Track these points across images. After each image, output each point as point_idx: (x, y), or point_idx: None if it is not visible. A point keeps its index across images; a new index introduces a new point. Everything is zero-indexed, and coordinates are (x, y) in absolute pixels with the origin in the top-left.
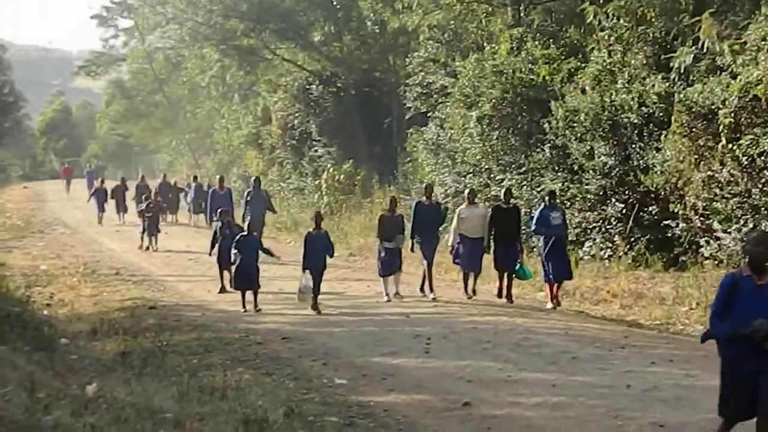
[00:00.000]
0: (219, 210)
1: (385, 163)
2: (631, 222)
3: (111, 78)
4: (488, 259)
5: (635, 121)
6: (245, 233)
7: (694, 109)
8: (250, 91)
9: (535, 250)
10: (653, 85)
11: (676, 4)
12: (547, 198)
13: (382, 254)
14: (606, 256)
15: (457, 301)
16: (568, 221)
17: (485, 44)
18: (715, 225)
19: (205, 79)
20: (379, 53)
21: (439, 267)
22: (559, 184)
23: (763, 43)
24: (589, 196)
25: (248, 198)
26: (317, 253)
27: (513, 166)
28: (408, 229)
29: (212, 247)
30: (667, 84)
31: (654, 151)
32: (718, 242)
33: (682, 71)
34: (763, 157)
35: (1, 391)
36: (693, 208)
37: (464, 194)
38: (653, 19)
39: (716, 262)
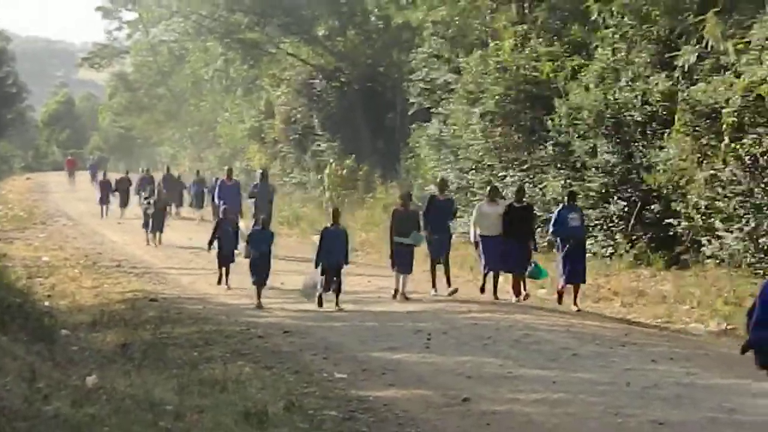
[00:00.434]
0: (223, 208)
1: (387, 159)
2: (633, 220)
3: (114, 70)
4: None
5: (638, 119)
6: (259, 227)
7: (697, 108)
8: (253, 84)
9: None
10: (657, 84)
11: (681, 2)
12: (566, 198)
13: (394, 249)
14: (607, 254)
15: (488, 304)
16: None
17: (489, 41)
18: (717, 224)
19: (209, 72)
20: (383, 48)
21: (465, 266)
22: (562, 182)
23: (767, 42)
24: (591, 193)
25: (255, 190)
26: (334, 249)
27: (516, 163)
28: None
29: (210, 242)
30: (671, 82)
31: (657, 150)
32: (720, 241)
33: (685, 70)
34: (765, 157)
35: (1, 381)
36: (695, 207)
37: (486, 190)
38: (657, 18)
39: (718, 261)
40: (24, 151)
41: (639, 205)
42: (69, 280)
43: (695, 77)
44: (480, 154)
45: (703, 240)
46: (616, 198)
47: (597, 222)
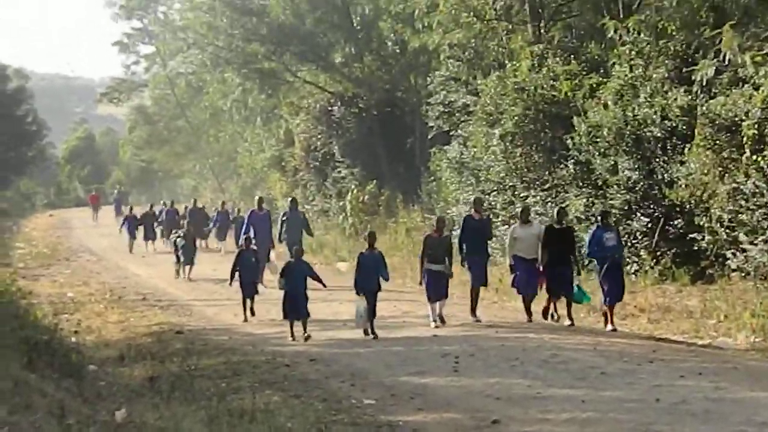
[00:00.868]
0: (243, 238)
1: (408, 183)
2: (656, 236)
3: (133, 104)
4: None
5: (658, 134)
6: (292, 260)
7: (717, 122)
8: (272, 113)
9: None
10: (676, 99)
11: (697, 17)
12: (600, 218)
13: (426, 278)
14: (632, 271)
15: (515, 324)
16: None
17: (506, 61)
18: (741, 237)
19: (227, 103)
20: (401, 73)
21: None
22: (584, 200)
23: None
24: (613, 211)
25: (284, 219)
26: (371, 274)
27: (537, 182)
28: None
29: (232, 274)
30: (690, 97)
31: (678, 165)
32: (745, 254)
33: (704, 84)
34: None
35: (32, 419)
36: (719, 221)
37: (517, 212)
38: (674, 33)
39: (743, 275)
40: (46, 188)
41: (662, 220)
42: (95, 316)
43: (714, 91)
44: (501, 175)
45: (728, 253)
46: (639, 214)
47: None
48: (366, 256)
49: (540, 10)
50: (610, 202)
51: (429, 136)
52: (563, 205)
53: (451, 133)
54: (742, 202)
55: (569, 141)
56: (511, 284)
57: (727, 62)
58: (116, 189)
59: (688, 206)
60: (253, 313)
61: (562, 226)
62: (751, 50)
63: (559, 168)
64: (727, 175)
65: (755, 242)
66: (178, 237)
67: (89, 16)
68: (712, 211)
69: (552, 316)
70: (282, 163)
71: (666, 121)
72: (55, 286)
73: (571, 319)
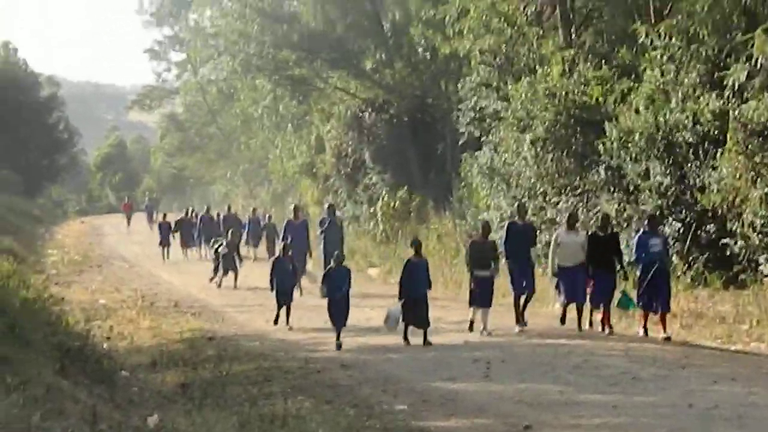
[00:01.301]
0: (281, 245)
1: (439, 189)
2: (688, 241)
3: (165, 111)
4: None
5: (690, 139)
6: (333, 266)
7: (749, 126)
8: (303, 120)
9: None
10: (707, 104)
11: (728, 21)
12: (646, 223)
13: (473, 285)
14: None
15: (547, 331)
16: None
17: (537, 67)
18: None
19: (258, 109)
20: (431, 79)
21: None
22: (615, 205)
23: None
24: (645, 216)
25: (323, 227)
26: (417, 281)
27: (568, 188)
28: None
29: (272, 281)
30: (722, 102)
31: (710, 170)
32: None
33: (736, 88)
34: None
35: (64, 425)
36: (751, 226)
37: (564, 218)
38: (705, 37)
39: None
40: (77, 194)
41: (694, 226)
42: (127, 322)
43: (746, 95)
44: (532, 180)
45: (761, 259)
46: (670, 220)
47: None
48: (414, 263)
49: (571, 16)
50: (642, 207)
51: (460, 142)
52: (607, 213)
53: (482, 139)
54: None
55: (600, 146)
56: (557, 292)
57: (759, 66)
58: (147, 196)
59: (720, 211)
60: (288, 322)
61: (607, 233)
62: None
63: (590, 173)
64: (759, 179)
65: None
66: (220, 245)
67: (120, 24)
68: (745, 215)
69: (606, 327)
70: (313, 170)
71: (698, 126)
72: (87, 292)
73: (610, 326)
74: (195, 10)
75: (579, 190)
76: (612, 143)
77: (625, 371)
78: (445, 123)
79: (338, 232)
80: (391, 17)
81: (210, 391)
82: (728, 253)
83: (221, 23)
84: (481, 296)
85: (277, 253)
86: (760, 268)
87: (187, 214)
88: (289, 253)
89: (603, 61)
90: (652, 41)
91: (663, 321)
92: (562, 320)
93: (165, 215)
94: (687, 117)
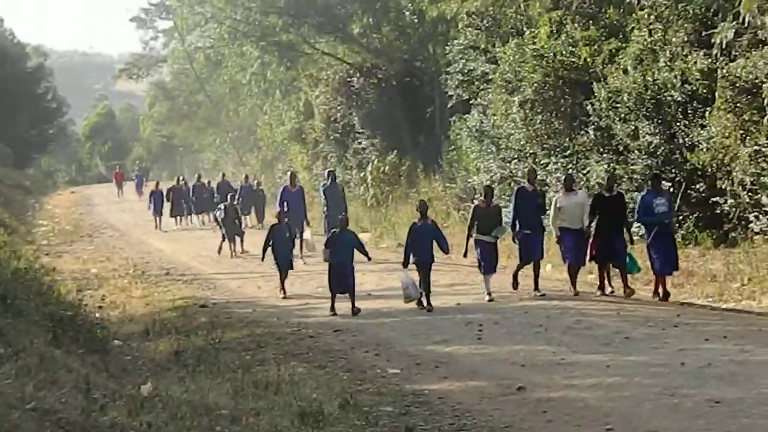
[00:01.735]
0: (277, 211)
1: (429, 153)
2: (678, 200)
3: (153, 80)
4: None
5: (679, 99)
6: (336, 230)
7: (737, 85)
8: (291, 86)
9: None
10: (695, 62)
11: None
12: (649, 182)
13: (478, 250)
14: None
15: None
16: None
17: (525, 29)
18: (764, 199)
19: (246, 76)
20: (419, 43)
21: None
22: (605, 166)
23: None
24: (635, 176)
25: (325, 193)
26: (423, 246)
27: (558, 149)
28: (509, 220)
29: (264, 249)
30: (710, 60)
31: (699, 129)
32: None
33: (724, 47)
34: None
35: (58, 394)
36: (741, 184)
37: (561, 180)
38: None
39: (767, 237)
40: (67, 165)
41: (684, 185)
42: (119, 291)
43: (734, 53)
44: (521, 142)
45: (751, 216)
46: (647, 182)
47: None
48: (419, 226)
49: None
50: (632, 167)
51: (449, 106)
52: (612, 172)
53: (470, 102)
54: (764, 165)
55: (589, 107)
56: (562, 257)
57: (746, 24)
58: (137, 165)
59: (709, 170)
60: (282, 286)
61: (613, 193)
62: None
63: (579, 134)
64: (748, 137)
65: None
66: (218, 212)
67: None
68: (734, 174)
69: (603, 289)
70: (302, 136)
71: (686, 85)
72: (79, 262)
73: (628, 287)
74: None
75: (568, 152)
76: (601, 104)
77: (618, 331)
78: (433, 86)
79: (340, 198)
80: None
81: (203, 358)
82: (718, 211)
83: None
84: (485, 262)
85: (268, 221)
86: (751, 225)
87: (177, 182)
88: (286, 220)
89: (590, 21)
90: (639, 1)
91: (663, 282)
92: (573, 286)
93: (157, 183)
94: (675, 76)
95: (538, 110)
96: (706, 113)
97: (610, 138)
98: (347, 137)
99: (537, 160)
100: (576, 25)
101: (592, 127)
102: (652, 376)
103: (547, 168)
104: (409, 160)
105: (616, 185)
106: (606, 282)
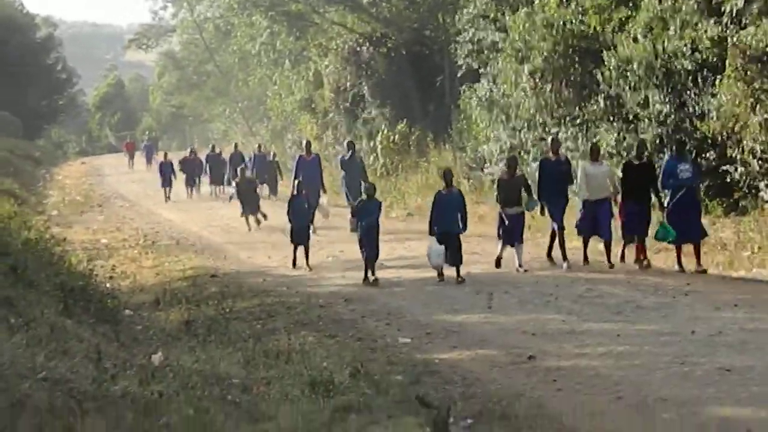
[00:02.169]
0: (296, 182)
1: (438, 122)
2: None
3: (162, 50)
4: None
5: (689, 67)
6: (363, 198)
7: (748, 53)
8: (300, 56)
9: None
10: (706, 31)
11: None
12: (674, 148)
13: (504, 222)
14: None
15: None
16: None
17: None
18: None
19: (256, 46)
20: (428, 12)
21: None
22: (615, 134)
23: None
24: (646, 145)
25: (343, 166)
26: (448, 215)
27: (567, 118)
28: (534, 191)
29: (290, 221)
30: (720, 28)
31: (709, 97)
32: None
33: (734, 15)
34: None
35: (69, 364)
36: (751, 152)
37: (588, 149)
38: None
39: None
40: (77, 135)
41: (694, 153)
42: (129, 261)
43: (744, 21)
44: (531, 111)
45: (761, 185)
46: (670, 148)
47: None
48: (444, 195)
49: None
50: (641, 136)
51: (458, 75)
52: (643, 140)
53: (480, 71)
54: None
55: (599, 76)
56: (575, 225)
57: None
58: (147, 135)
59: (720, 138)
60: (307, 263)
61: (642, 161)
62: None
63: (589, 103)
64: (758, 106)
65: None
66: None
67: None
68: (745, 142)
69: (641, 262)
70: (312, 105)
71: (696, 54)
72: (89, 232)
73: (647, 260)
74: None
75: (578, 120)
76: (610, 72)
77: (628, 300)
78: (443, 55)
79: (360, 168)
80: None
81: (214, 327)
82: (728, 180)
83: None
84: (513, 233)
85: (285, 191)
86: (761, 194)
87: (190, 153)
88: (303, 192)
89: None
90: None
91: (697, 252)
92: (585, 258)
93: (166, 154)
94: (685, 44)
95: (548, 79)
96: (717, 82)
97: (620, 107)
98: (357, 107)
99: (547, 129)
100: None
101: (602, 95)
102: (663, 344)
103: (557, 136)
104: (419, 130)
105: (646, 152)
106: (638, 254)
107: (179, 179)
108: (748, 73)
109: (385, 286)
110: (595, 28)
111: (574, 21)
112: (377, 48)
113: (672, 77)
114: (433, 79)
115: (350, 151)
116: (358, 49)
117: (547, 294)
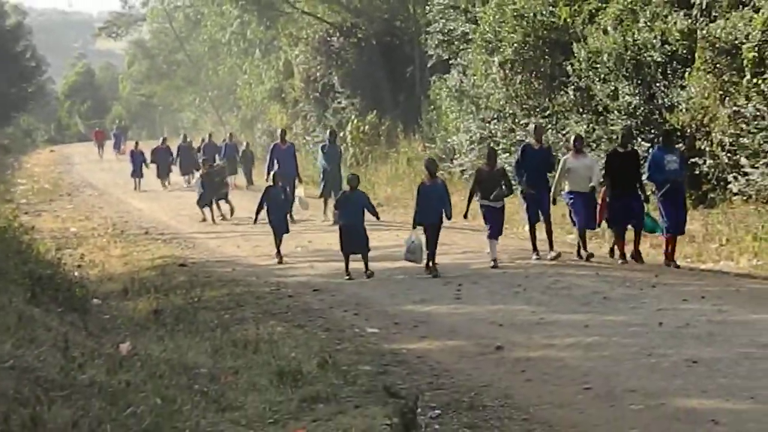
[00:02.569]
0: (272, 173)
1: (409, 112)
2: None
3: (132, 39)
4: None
5: (658, 59)
6: (347, 190)
7: (717, 45)
8: (271, 45)
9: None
10: (675, 23)
11: None
12: (661, 139)
13: (485, 216)
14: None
15: (525, 256)
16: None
17: None
18: (743, 160)
19: (226, 35)
20: (399, 2)
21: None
22: (584, 126)
23: None
24: (614, 137)
25: (324, 153)
26: (432, 206)
27: (537, 109)
28: (515, 182)
29: (258, 212)
30: (690, 21)
31: (678, 89)
32: (746, 178)
33: (704, 7)
34: None
35: (36, 352)
36: (720, 145)
37: (570, 142)
38: None
39: (745, 198)
40: (46, 123)
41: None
42: (98, 250)
43: (714, 14)
44: (501, 102)
45: (730, 177)
46: (639, 139)
47: None
48: (428, 186)
49: None
50: (611, 127)
51: (428, 65)
52: (628, 125)
53: (450, 62)
54: (743, 126)
55: (569, 67)
56: (570, 219)
57: None
58: (116, 124)
59: (688, 131)
60: (280, 257)
61: (627, 149)
62: None
63: (559, 94)
64: (727, 98)
65: (756, 166)
66: (205, 175)
67: None
68: (713, 134)
69: (623, 256)
70: (282, 95)
71: (666, 46)
72: (58, 221)
73: (638, 254)
74: None
75: (548, 112)
76: (580, 64)
77: (596, 291)
78: (413, 46)
79: (339, 158)
80: None
81: (182, 317)
82: (697, 172)
83: None
84: (492, 227)
85: (259, 181)
86: (729, 186)
87: (162, 142)
88: (279, 184)
89: None
90: None
91: (672, 245)
92: (584, 249)
93: (137, 143)
94: (655, 36)
95: (518, 70)
96: (686, 74)
97: (590, 98)
98: (327, 97)
99: (517, 120)
100: None
101: (572, 87)
102: (631, 335)
103: (527, 128)
104: (389, 120)
105: (632, 141)
106: (622, 249)
107: (151, 169)
108: (718, 65)
109: (354, 277)
110: (565, 19)
111: (544, 12)
112: (348, 38)
113: (642, 69)
114: (403, 69)
115: (332, 139)
116: (329, 39)
117: (515, 285)
